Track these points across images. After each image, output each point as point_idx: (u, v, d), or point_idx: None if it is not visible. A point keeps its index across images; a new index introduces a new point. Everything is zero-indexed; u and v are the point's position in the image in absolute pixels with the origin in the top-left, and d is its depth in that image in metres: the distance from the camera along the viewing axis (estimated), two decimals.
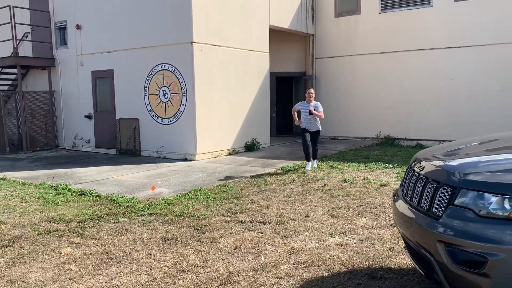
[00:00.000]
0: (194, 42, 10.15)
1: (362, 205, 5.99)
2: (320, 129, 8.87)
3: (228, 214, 5.74)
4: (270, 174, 8.39)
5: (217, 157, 10.87)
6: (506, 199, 2.36)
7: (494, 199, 2.42)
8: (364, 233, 4.86)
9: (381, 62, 13.47)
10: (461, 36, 12.06)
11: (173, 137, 10.73)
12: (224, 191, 7.00)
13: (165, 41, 10.58)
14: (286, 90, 16.47)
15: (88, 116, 12.77)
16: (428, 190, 2.87)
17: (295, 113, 9.08)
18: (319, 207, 5.98)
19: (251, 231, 5.05)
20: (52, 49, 13.41)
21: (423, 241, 2.80)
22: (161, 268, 4.05)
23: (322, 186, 7.25)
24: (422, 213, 2.86)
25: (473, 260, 2.43)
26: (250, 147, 11.87)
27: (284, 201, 6.38)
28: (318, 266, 4.01)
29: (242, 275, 3.84)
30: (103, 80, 12.25)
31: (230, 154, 11.29)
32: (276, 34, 13.80)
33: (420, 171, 3.09)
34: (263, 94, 12.51)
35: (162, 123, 10.95)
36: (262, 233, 4.97)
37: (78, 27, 12.49)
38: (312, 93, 8.74)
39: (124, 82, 11.63)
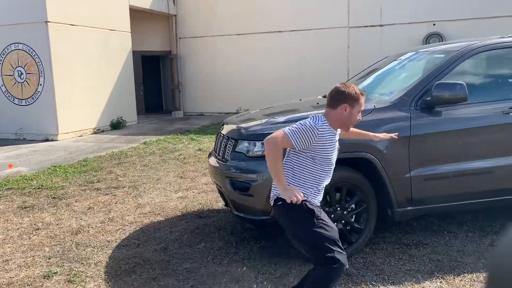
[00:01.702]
0: (49, 22, 10.12)
1: (208, 168, 7.06)
2: None
3: (86, 183, 6.34)
4: (133, 149, 9.04)
5: (81, 136, 11.08)
6: (259, 143, 3.51)
7: (255, 144, 3.56)
8: (203, 188, 5.91)
9: (238, 43, 14.69)
10: (302, 20, 13.81)
11: (33, 118, 10.64)
12: (84, 166, 7.50)
13: (18, 20, 10.32)
14: (154, 68, 16.91)
15: None
16: (224, 143, 3.94)
17: None
18: (171, 172, 6.89)
19: (105, 195, 5.77)
20: None
21: (220, 181, 3.88)
22: (17, 229, 4.59)
23: (179, 155, 8.17)
24: (221, 161, 3.93)
25: (244, 186, 3.56)
26: (116, 125, 12.25)
27: (141, 170, 7.15)
28: (158, 214, 4.94)
29: (92, 227, 4.59)
30: None
31: (95, 133, 11.57)
32: (140, 14, 14.12)
33: (222, 131, 4.16)
34: (127, 73, 12.88)
35: (20, 104, 10.75)
36: (115, 196, 5.72)
37: None
38: None
39: None
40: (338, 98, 2.54)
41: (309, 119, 2.57)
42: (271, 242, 4.03)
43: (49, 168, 7.32)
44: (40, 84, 10.43)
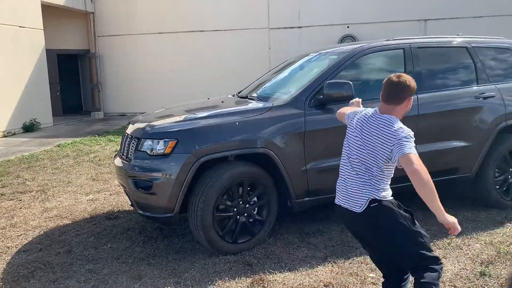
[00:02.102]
0: None
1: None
2: None
3: None
4: (46, 152, 8.62)
5: None
6: (162, 141, 3.58)
7: (158, 142, 3.61)
8: (115, 190, 5.82)
9: (159, 42, 14.49)
10: (224, 20, 13.96)
11: None
12: None
13: None
14: (73, 67, 16.16)
15: None
16: (128, 143, 3.95)
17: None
18: (84, 175, 6.69)
19: (10, 200, 5.48)
20: None
21: (124, 181, 3.88)
22: None
23: (94, 157, 7.93)
24: (125, 161, 3.93)
25: (146, 185, 3.60)
26: (29, 128, 11.58)
27: (52, 173, 6.87)
28: (65, 217, 4.81)
29: None
30: None
31: (4, 136, 10.85)
32: (55, 11, 13.44)
33: (127, 131, 4.16)
34: (40, 72, 12.21)
35: None
36: (20, 200, 5.46)
37: None
38: None
39: None
40: (405, 92, 2.45)
41: (399, 125, 2.38)
42: (179, 239, 4.11)
43: None
44: None
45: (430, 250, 2.47)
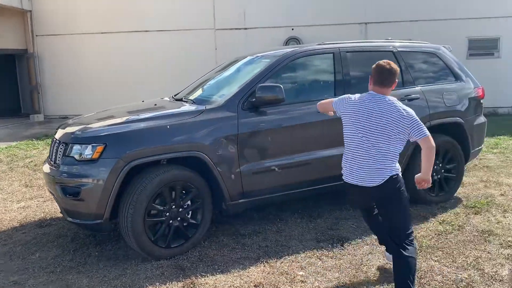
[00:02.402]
0: None
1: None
2: None
3: None
4: None
5: None
6: (90, 146, 3.49)
7: (86, 147, 3.52)
8: (50, 196, 5.58)
9: (102, 42, 14.08)
10: (169, 21, 13.80)
11: None
12: None
13: None
14: (10, 68, 15.35)
15: None
16: (56, 148, 3.82)
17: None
18: (17, 181, 6.39)
19: None
20: None
21: (52, 188, 3.75)
22: None
23: (29, 162, 7.59)
24: (53, 167, 3.80)
25: (74, 192, 3.50)
26: None
27: None
28: None
29: None
30: None
31: None
32: None
33: (55, 136, 4.02)
34: None
35: None
36: None
37: None
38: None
39: None
40: (396, 76, 2.98)
41: (403, 106, 2.93)
42: (112, 245, 4.03)
43: None
44: None
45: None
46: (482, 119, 5.27)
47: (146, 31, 13.99)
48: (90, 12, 13.98)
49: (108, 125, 3.73)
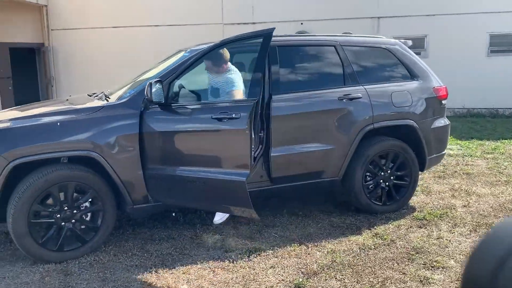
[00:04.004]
0: None
1: None
2: None
3: None
4: None
5: None
6: None
7: None
8: None
9: (114, 36, 14.25)
10: (178, 15, 13.73)
11: None
12: None
13: None
14: (30, 61, 15.88)
15: None
16: None
17: None
18: None
19: None
20: None
21: None
22: None
23: None
24: None
25: None
26: None
27: None
28: None
29: None
30: None
31: None
32: (7, 4, 13.16)
33: None
34: None
35: None
36: None
37: None
38: None
39: None
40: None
41: None
42: (3, 247, 3.91)
43: None
44: None
45: None
46: (443, 121, 4.73)
47: (156, 25, 14.01)
48: (102, 6, 14.16)
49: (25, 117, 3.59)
